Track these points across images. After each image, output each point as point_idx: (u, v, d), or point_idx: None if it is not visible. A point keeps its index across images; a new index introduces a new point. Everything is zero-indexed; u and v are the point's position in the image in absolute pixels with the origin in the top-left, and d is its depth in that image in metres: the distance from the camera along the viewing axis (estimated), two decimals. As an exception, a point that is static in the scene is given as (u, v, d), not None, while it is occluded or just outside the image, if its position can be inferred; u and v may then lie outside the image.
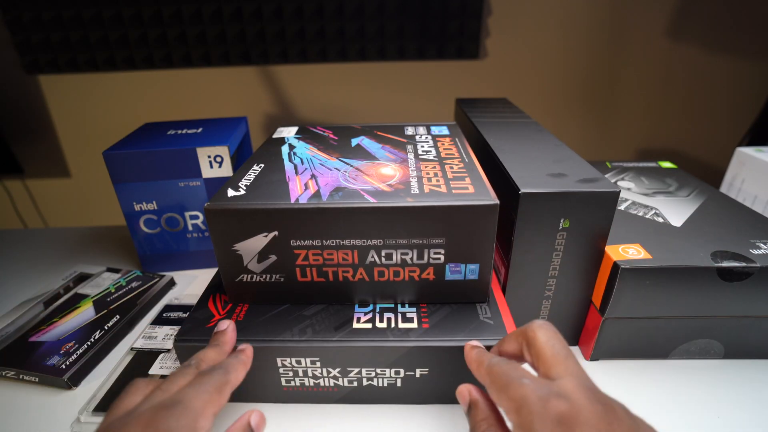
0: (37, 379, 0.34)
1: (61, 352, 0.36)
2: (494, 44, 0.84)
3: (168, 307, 0.43)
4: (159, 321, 0.41)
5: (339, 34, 0.82)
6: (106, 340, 0.38)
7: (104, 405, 0.32)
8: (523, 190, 0.30)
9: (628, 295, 0.32)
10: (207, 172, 0.44)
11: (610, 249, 0.33)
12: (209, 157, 0.43)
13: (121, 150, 0.43)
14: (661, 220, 0.38)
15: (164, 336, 0.38)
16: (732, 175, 0.52)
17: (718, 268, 0.31)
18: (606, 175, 0.47)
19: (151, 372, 0.34)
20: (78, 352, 0.36)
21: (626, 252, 0.32)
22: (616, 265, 0.31)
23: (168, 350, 0.37)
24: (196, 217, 0.47)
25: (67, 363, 0.35)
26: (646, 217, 0.38)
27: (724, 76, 0.84)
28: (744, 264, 0.31)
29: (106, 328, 0.39)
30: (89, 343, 0.37)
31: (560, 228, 0.31)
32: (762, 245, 0.33)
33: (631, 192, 0.44)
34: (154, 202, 0.45)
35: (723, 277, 0.31)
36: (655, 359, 0.36)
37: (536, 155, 0.37)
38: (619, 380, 0.34)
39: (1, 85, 0.88)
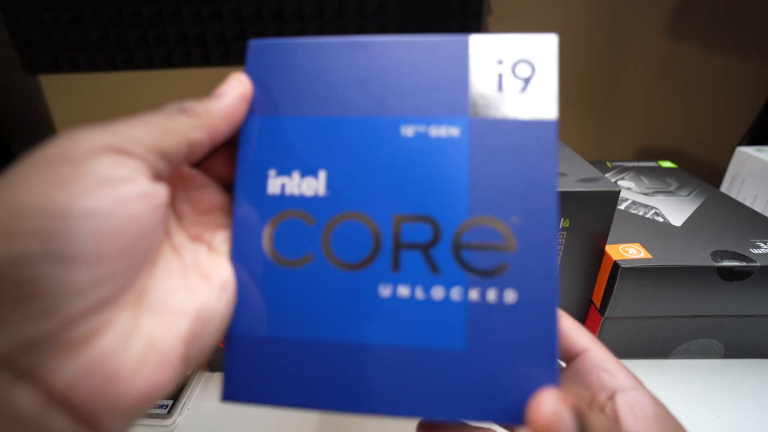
0: None
1: None
2: (494, 44, 0.83)
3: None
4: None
5: (339, 33, 0.82)
6: None
7: (104, 405, 0.32)
8: (523, 190, 0.30)
9: (628, 295, 0.32)
10: None
11: (610, 248, 0.33)
12: None
13: None
14: (661, 219, 0.38)
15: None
16: (732, 174, 0.52)
17: (718, 267, 0.31)
18: (606, 175, 0.47)
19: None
20: None
21: (626, 251, 0.32)
22: (616, 265, 0.31)
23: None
24: None
25: None
26: (647, 216, 0.38)
27: (724, 76, 0.84)
28: (744, 263, 0.31)
29: None
30: None
31: (560, 228, 0.31)
32: (762, 245, 0.33)
33: (631, 191, 0.44)
34: None
35: (723, 277, 0.31)
36: (655, 359, 0.36)
37: (536, 155, 0.36)
38: (619, 380, 0.34)
39: (1, 85, 0.88)
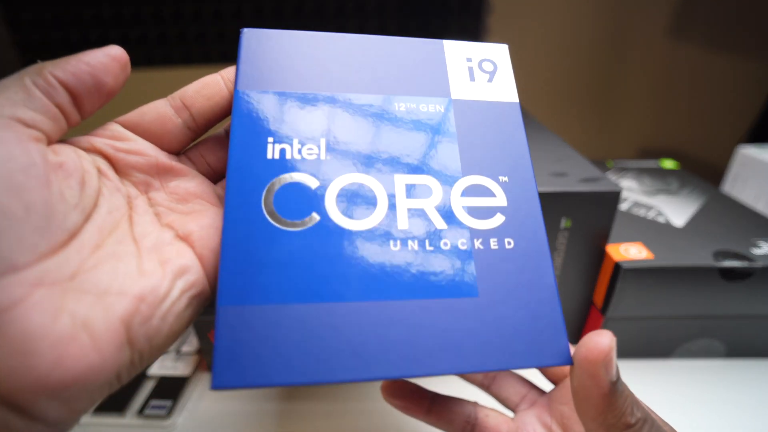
0: None
1: None
2: (495, 43, 0.83)
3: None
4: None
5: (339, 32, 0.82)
6: None
7: (103, 405, 0.32)
8: (523, 190, 0.30)
9: (630, 295, 0.32)
10: None
11: (611, 249, 0.33)
12: None
13: None
14: (662, 219, 0.38)
15: (164, 336, 0.38)
16: (733, 174, 0.52)
17: (720, 267, 0.31)
18: (607, 175, 0.47)
19: (149, 373, 0.34)
20: None
21: (628, 252, 0.32)
22: (617, 265, 0.31)
23: (167, 351, 0.37)
24: None
25: None
26: (648, 216, 0.38)
27: (725, 75, 0.84)
28: (746, 263, 0.31)
29: None
30: None
31: (561, 228, 0.31)
32: (764, 244, 0.33)
33: (632, 191, 0.44)
34: None
35: (725, 277, 0.31)
36: (657, 359, 0.36)
37: (537, 154, 0.36)
38: (621, 380, 0.34)
39: (1, 84, 0.88)
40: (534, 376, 0.27)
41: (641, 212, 0.39)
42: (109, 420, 0.31)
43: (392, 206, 0.18)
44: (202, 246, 0.17)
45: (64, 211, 0.14)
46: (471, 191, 0.19)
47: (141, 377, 0.34)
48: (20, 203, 0.13)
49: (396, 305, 0.17)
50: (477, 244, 0.18)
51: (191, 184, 0.19)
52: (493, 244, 0.18)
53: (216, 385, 0.15)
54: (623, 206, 0.40)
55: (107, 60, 0.16)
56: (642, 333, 0.34)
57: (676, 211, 0.39)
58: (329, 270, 0.17)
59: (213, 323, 0.32)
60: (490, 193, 0.19)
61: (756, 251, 0.32)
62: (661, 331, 0.34)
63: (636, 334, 0.34)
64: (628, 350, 0.35)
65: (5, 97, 0.14)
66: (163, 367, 0.35)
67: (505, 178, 0.19)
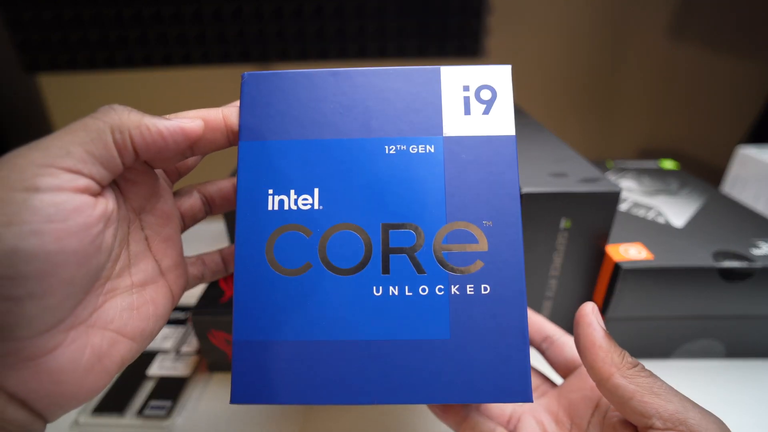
0: None
1: None
2: (495, 43, 0.83)
3: (167, 307, 0.43)
4: (158, 321, 0.40)
5: (339, 33, 0.81)
6: None
7: (103, 406, 0.32)
8: (524, 190, 0.30)
9: (630, 296, 0.32)
10: None
11: (611, 249, 0.33)
12: None
13: None
14: (662, 220, 0.38)
15: (163, 336, 0.38)
16: (733, 174, 0.52)
17: (720, 268, 0.31)
18: (607, 175, 0.47)
19: (149, 373, 0.34)
20: None
21: (627, 252, 0.32)
22: (617, 266, 0.31)
23: (166, 351, 0.37)
24: None
25: None
26: (648, 217, 0.38)
27: (725, 76, 0.84)
28: (745, 264, 0.31)
29: None
30: None
31: (561, 228, 0.31)
32: (763, 245, 0.33)
33: (632, 192, 0.44)
34: None
35: (724, 277, 0.31)
36: (657, 359, 0.36)
37: (537, 155, 0.36)
38: (620, 381, 0.34)
39: (1, 84, 0.88)
40: (548, 369, 0.27)
41: (641, 213, 0.39)
42: (109, 420, 0.31)
43: (377, 254, 0.20)
44: (174, 283, 0.21)
45: (104, 265, 0.17)
46: (453, 237, 0.20)
47: (141, 377, 0.34)
48: (87, 275, 0.16)
49: (376, 344, 0.19)
50: (454, 289, 0.19)
51: (166, 204, 0.21)
52: (470, 289, 0.19)
53: (234, 401, 0.19)
54: (623, 207, 0.40)
55: (181, 138, 0.18)
56: (642, 333, 0.34)
57: (676, 211, 0.39)
58: (320, 312, 0.19)
59: (212, 323, 0.32)
60: (472, 239, 0.20)
61: (756, 252, 0.32)
62: (660, 332, 0.34)
63: (636, 335, 0.34)
64: (627, 350, 0.35)
65: (83, 155, 0.15)
66: (162, 367, 0.35)
67: (490, 223, 0.20)
